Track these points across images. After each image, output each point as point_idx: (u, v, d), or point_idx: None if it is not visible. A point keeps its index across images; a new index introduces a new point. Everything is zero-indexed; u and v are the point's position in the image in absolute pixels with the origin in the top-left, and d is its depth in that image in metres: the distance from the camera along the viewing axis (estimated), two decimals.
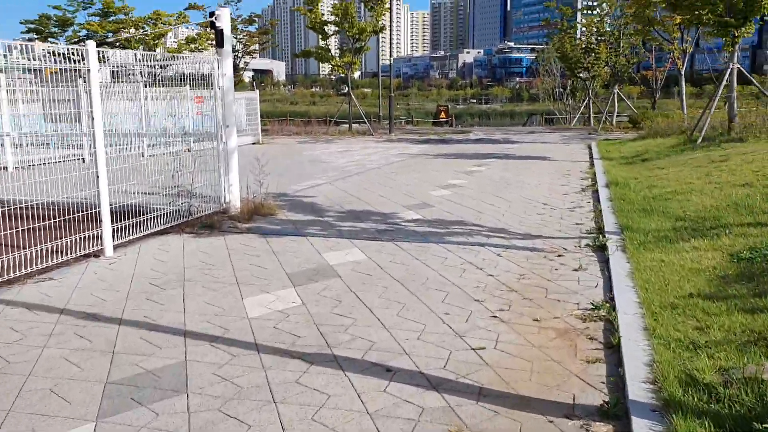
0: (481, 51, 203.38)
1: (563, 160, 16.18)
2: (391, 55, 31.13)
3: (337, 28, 29.28)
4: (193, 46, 33.45)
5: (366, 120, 29.32)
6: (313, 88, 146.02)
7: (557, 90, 44.49)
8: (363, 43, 28.41)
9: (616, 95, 27.72)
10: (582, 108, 34.45)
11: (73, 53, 6.05)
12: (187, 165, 8.27)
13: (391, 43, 33.80)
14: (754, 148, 11.98)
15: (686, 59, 21.67)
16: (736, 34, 13.66)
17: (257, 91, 25.99)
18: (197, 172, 8.51)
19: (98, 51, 6.41)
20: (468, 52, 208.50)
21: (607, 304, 4.91)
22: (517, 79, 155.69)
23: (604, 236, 7.05)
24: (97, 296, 5.43)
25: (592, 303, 4.98)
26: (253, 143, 23.67)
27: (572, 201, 9.90)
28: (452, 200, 10.09)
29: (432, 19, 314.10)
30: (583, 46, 30.92)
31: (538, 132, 28.81)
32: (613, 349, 4.16)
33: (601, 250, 6.71)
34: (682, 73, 21.43)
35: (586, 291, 5.34)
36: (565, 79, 41.78)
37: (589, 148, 19.12)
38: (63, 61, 6.05)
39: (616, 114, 28.17)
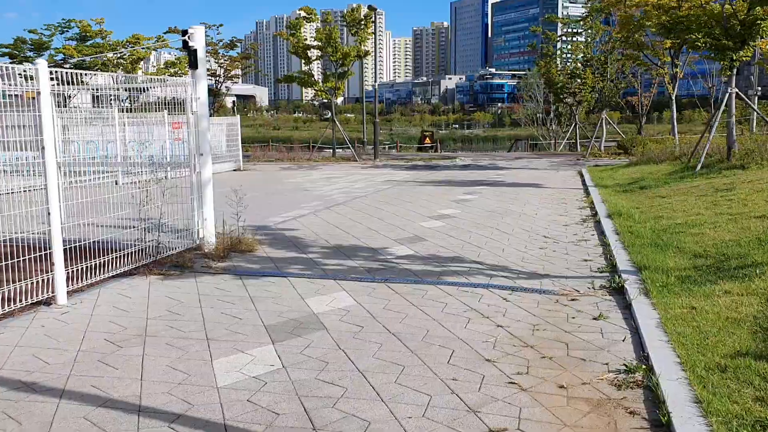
0: (463, 77, 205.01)
1: (556, 187, 15.58)
2: (375, 80, 30.62)
3: (320, 53, 28.76)
4: (172, 70, 32.76)
5: (350, 145, 28.70)
6: (296, 114, 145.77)
7: (540, 115, 44.38)
8: (347, 68, 27.91)
9: (604, 120, 27.35)
10: (569, 134, 34.14)
11: (19, 73, 5.29)
12: (156, 197, 7.48)
13: (376, 69, 33.38)
14: (760, 176, 11.42)
15: (676, 84, 21.34)
16: (735, 58, 13.21)
17: (238, 116, 25.32)
18: (168, 204, 7.72)
19: (52, 71, 5.64)
20: (450, 78, 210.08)
21: (643, 366, 4.17)
22: (499, 104, 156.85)
23: (619, 276, 6.34)
24: (39, 358, 4.59)
25: (624, 364, 4.23)
26: (234, 170, 22.92)
27: (575, 233, 9.23)
28: (446, 233, 9.37)
29: (414, 45, 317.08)
30: (569, 71, 30.69)
31: (525, 158, 28.32)
32: (661, 429, 3.42)
33: (618, 292, 6.00)
34: (673, 98, 21.07)
35: (614, 347, 4.61)
36: (547, 105, 41.64)
37: (581, 174, 18.59)
38: (6, 81, 5.27)
39: (604, 139, 27.79)
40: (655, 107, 57.09)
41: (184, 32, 7.92)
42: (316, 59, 29.45)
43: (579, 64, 30.42)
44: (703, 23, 13.57)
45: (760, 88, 27.77)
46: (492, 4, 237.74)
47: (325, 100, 30.14)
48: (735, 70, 13.55)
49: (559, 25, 36.93)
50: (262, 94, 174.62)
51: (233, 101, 42.83)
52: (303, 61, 28.84)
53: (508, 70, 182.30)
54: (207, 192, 8.10)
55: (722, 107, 13.95)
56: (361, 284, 6.46)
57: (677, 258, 6.94)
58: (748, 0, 13.06)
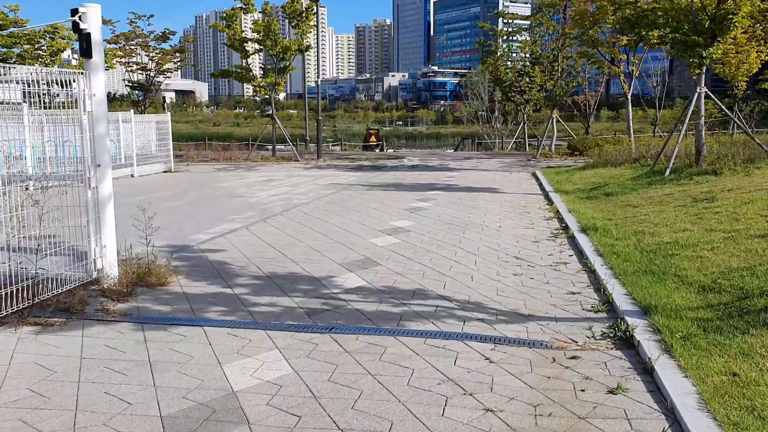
0: (406, 74, 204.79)
1: (514, 192, 14.45)
2: (318, 76, 29.09)
3: (259, 47, 26.98)
4: None
5: (292, 144, 27.05)
6: (238, 109, 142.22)
7: (484, 113, 43.74)
8: (287, 63, 26.22)
9: (554, 120, 26.56)
10: (517, 133, 33.40)
11: None
12: (33, 218, 5.83)
13: (318, 64, 31.80)
14: (739, 184, 10.50)
15: (632, 82, 20.58)
16: (704, 55, 12.31)
17: (169, 113, 23.36)
18: (55, 227, 6.08)
19: None
20: (393, 75, 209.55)
21: None
22: (442, 102, 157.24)
23: (623, 320, 5.09)
24: None
25: None
26: (165, 171, 21.04)
27: (549, 253, 8.00)
28: (402, 253, 8.00)
29: (357, 42, 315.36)
30: (518, 69, 29.87)
31: (475, 158, 27.29)
32: None
33: (627, 344, 4.75)
34: (629, 96, 20.33)
35: None
36: (492, 103, 41.02)
37: (536, 177, 17.60)
38: None
39: (555, 139, 27.01)
40: (598, 107, 57.66)
41: (74, 11, 6.28)
42: (254, 53, 27.63)
43: (528, 62, 29.63)
44: (671, 18, 12.64)
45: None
46: (434, 2, 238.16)
47: (266, 96, 28.35)
48: (705, 68, 12.67)
49: (501, 22, 36.18)
50: (201, 90, 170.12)
51: (163, 96, 40.43)
52: (241, 54, 27.01)
53: (451, 69, 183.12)
54: (107, 212, 6.47)
55: (691, 107, 13.05)
56: (299, 337, 5.01)
57: (683, 292, 5.76)
58: None
